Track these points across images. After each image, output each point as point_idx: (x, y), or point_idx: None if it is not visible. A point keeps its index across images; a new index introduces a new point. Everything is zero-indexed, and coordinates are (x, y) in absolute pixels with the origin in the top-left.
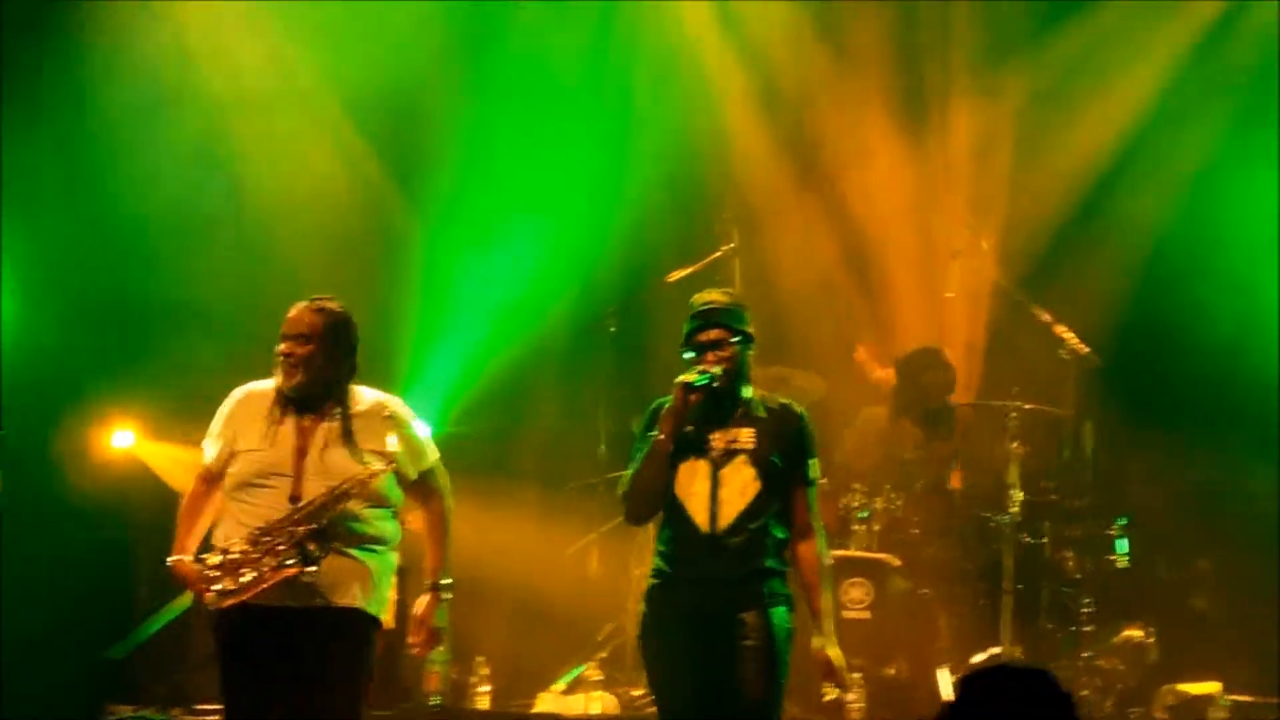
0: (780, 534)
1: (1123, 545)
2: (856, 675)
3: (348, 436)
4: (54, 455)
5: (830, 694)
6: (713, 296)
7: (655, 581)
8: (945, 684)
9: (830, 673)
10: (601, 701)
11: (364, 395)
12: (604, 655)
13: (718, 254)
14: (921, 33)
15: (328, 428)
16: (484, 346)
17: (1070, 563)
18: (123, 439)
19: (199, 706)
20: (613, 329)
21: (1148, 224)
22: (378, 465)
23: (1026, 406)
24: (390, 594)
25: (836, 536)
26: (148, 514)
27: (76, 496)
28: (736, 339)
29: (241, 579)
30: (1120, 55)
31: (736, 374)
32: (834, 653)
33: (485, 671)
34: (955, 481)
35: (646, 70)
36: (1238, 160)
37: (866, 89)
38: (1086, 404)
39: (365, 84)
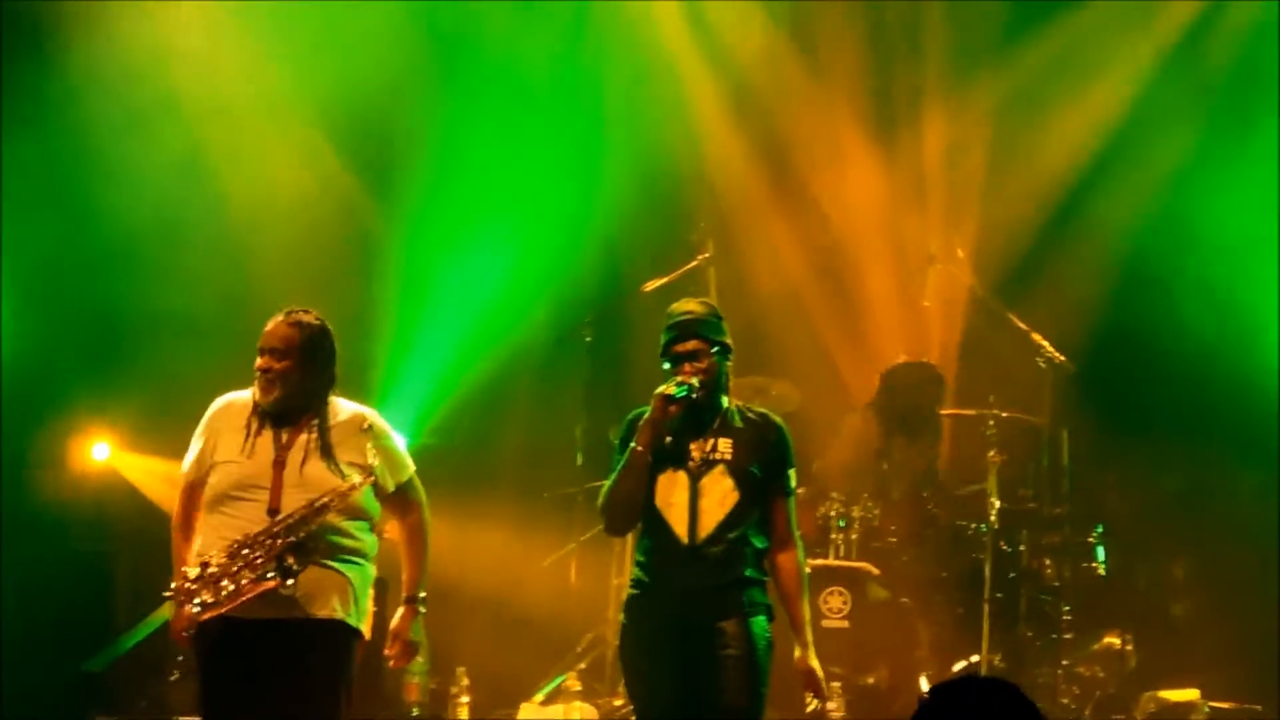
0: (759, 544)
1: (1101, 552)
2: (836, 684)
3: (326, 449)
4: (33, 466)
5: (811, 704)
6: (690, 307)
7: (635, 592)
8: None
9: (811, 683)
10: (581, 711)
11: (342, 407)
12: (584, 666)
13: (693, 263)
14: (894, 40)
15: (306, 440)
16: (460, 357)
17: (1049, 570)
18: (100, 451)
19: (179, 719)
20: (588, 339)
21: (1123, 230)
22: (356, 478)
23: (1004, 415)
24: (369, 605)
25: (815, 545)
26: (127, 526)
27: (55, 508)
28: (714, 350)
29: (220, 592)
30: (1093, 61)
31: (714, 385)
32: (814, 663)
33: (465, 682)
34: (934, 490)
35: (620, 78)
36: (1212, 165)
37: (840, 97)
38: (1063, 411)
39: (339, 95)
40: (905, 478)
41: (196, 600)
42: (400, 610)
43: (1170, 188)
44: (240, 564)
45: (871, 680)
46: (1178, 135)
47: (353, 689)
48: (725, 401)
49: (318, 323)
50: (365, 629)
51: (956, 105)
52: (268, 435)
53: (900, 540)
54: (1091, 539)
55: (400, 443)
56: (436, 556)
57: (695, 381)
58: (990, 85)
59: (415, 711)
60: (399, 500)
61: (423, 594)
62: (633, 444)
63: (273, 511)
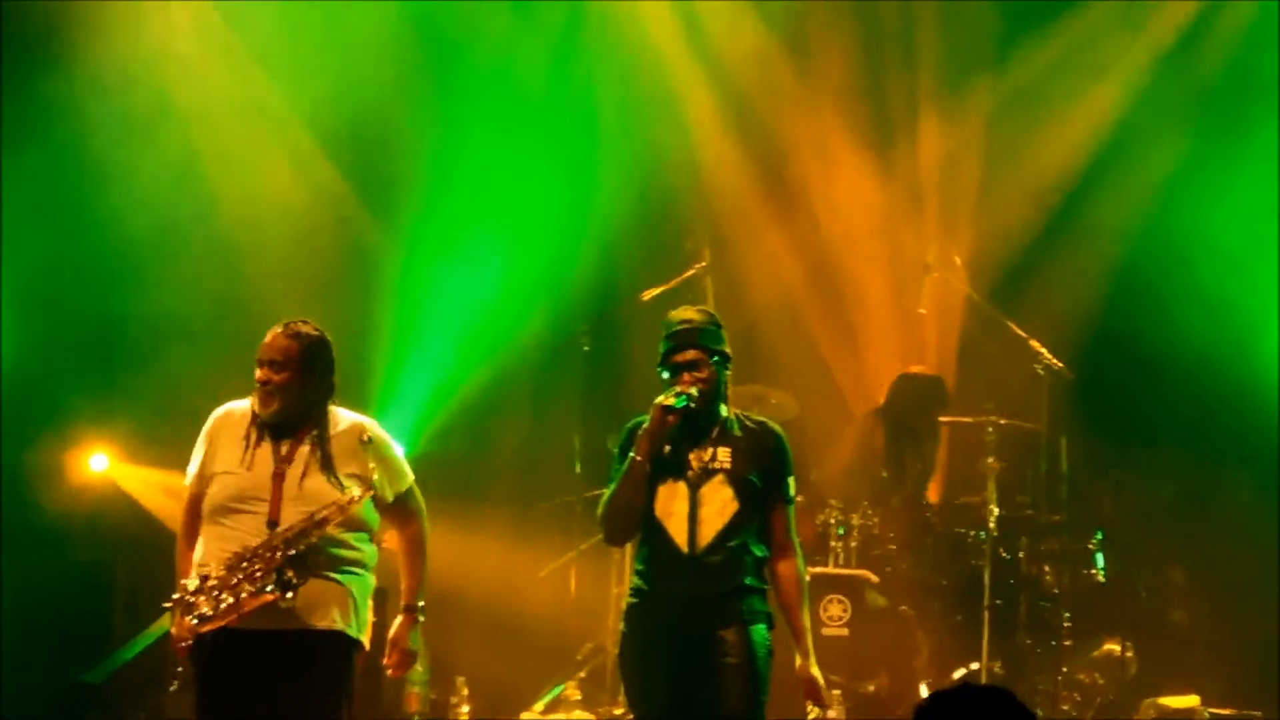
0: (759, 552)
1: (1100, 559)
2: (836, 692)
3: (325, 461)
4: (32, 477)
5: (813, 713)
6: (689, 315)
7: (635, 600)
8: None
9: (812, 691)
10: (581, 718)
11: (341, 417)
12: (583, 674)
13: (690, 271)
14: (889, 49)
15: (305, 452)
16: (457, 365)
17: (1048, 577)
18: (98, 462)
19: None
20: (586, 347)
21: (1119, 235)
22: (356, 491)
23: (1002, 421)
24: (369, 615)
25: (814, 553)
26: (126, 537)
27: (54, 519)
28: (713, 359)
29: (219, 604)
30: (1088, 67)
31: (713, 394)
32: (815, 671)
33: (465, 691)
34: (932, 496)
35: (615, 86)
36: (1208, 170)
37: (835, 105)
38: (1060, 418)
39: (334, 104)
40: (905, 485)
41: (195, 612)
42: (399, 619)
43: (1166, 193)
44: (239, 576)
45: (871, 688)
46: (1173, 140)
47: (353, 699)
48: (724, 410)
49: (316, 333)
50: (365, 639)
51: (952, 112)
52: (267, 446)
53: (899, 548)
54: (1091, 546)
55: (400, 452)
56: (435, 566)
57: (694, 391)
58: (985, 92)
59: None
60: (398, 510)
61: (421, 603)
62: (631, 454)
63: (272, 524)
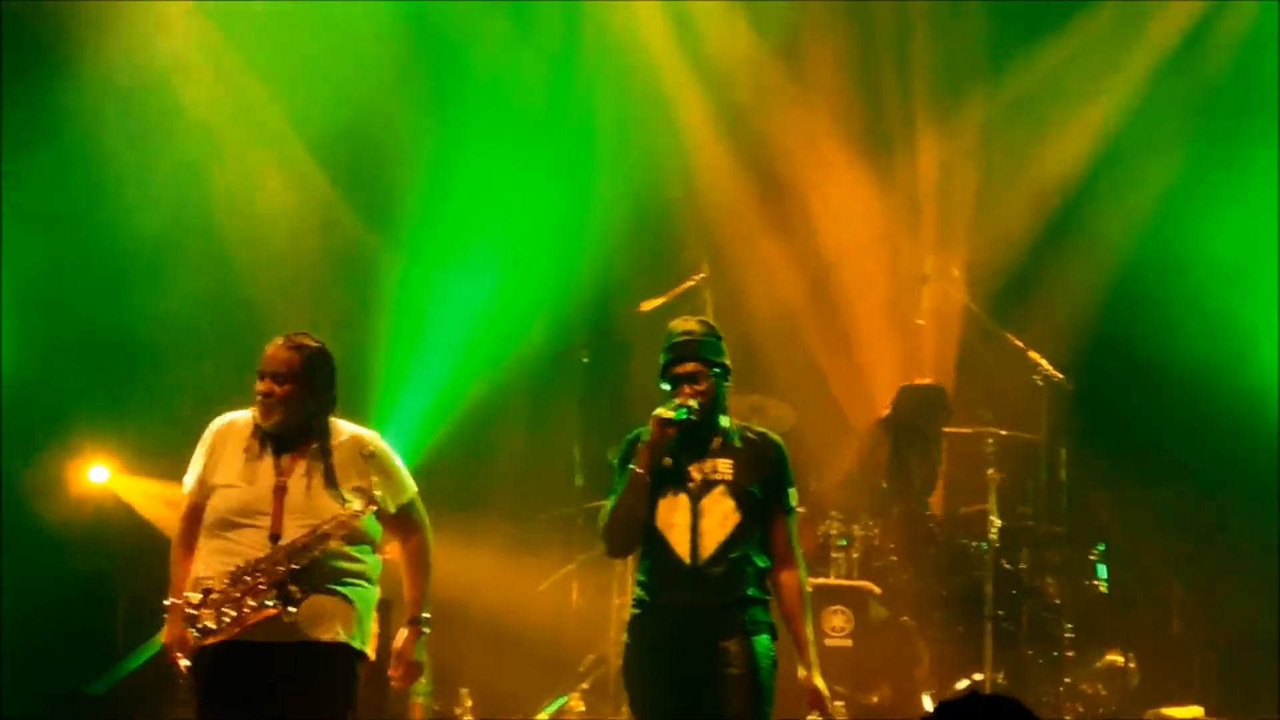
0: (761, 563)
1: (1103, 570)
2: (839, 703)
3: (328, 475)
4: (34, 488)
5: None
6: (689, 326)
7: (637, 611)
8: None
9: (816, 701)
10: None
11: (343, 430)
12: (586, 686)
13: (689, 283)
14: (884, 60)
15: (307, 465)
16: (456, 377)
17: (1050, 588)
18: (98, 474)
19: None
20: (585, 359)
21: (1117, 246)
22: (358, 505)
23: (1002, 432)
24: (373, 627)
25: (816, 564)
26: (128, 547)
27: (56, 530)
28: (713, 371)
29: (223, 619)
30: (1085, 76)
31: (713, 406)
32: (819, 682)
33: (469, 703)
34: (934, 508)
35: (612, 98)
36: (1207, 180)
37: (831, 117)
38: (1059, 429)
39: (331, 119)
40: (907, 496)
41: (198, 625)
42: (404, 630)
43: (1164, 203)
44: (242, 590)
45: (874, 699)
46: (1172, 150)
47: (358, 711)
48: (725, 421)
49: (317, 346)
50: (370, 651)
51: (948, 122)
52: (268, 459)
53: (901, 559)
54: (1092, 556)
55: (402, 464)
56: (436, 577)
57: (694, 404)
58: (982, 102)
59: None
60: (401, 522)
61: (427, 614)
62: (632, 466)
63: (274, 538)
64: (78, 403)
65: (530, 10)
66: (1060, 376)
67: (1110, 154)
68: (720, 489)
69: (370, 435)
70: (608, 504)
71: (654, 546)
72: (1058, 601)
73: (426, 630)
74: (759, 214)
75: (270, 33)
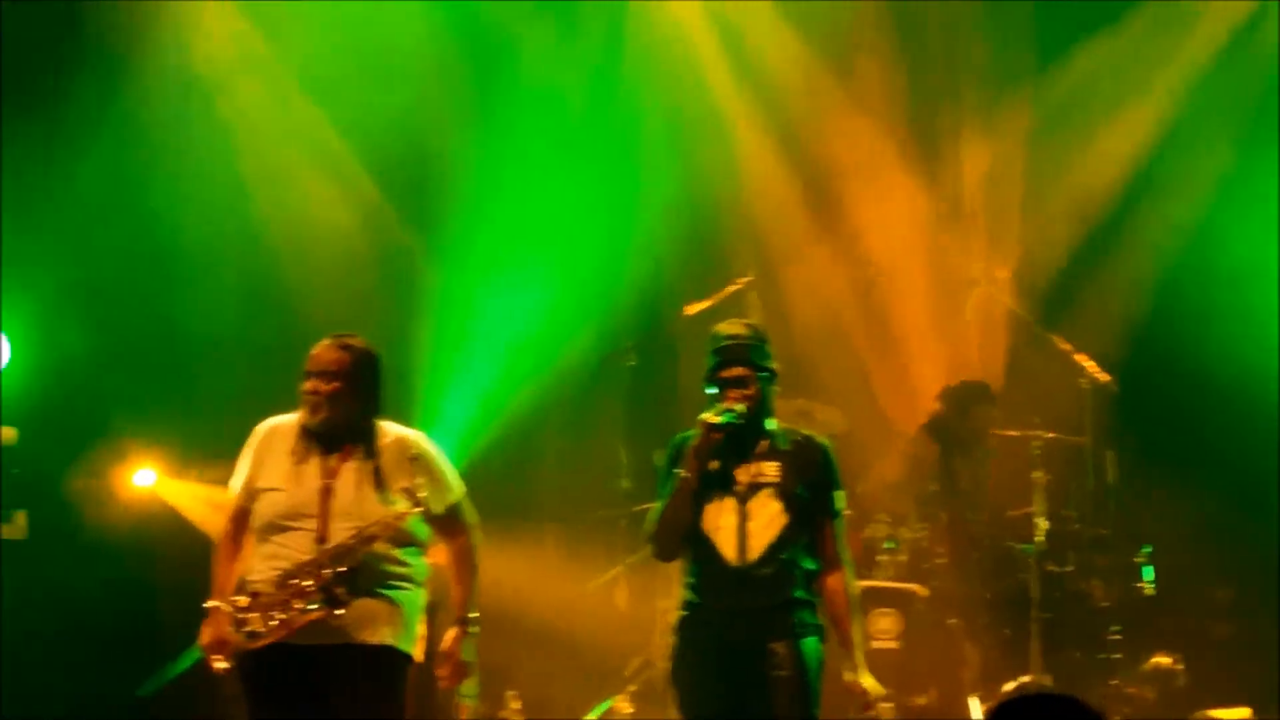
0: (808, 565)
1: (1150, 572)
2: (887, 705)
3: (375, 476)
4: (80, 491)
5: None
6: (736, 330)
7: (685, 614)
8: (976, 712)
9: (867, 703)
10: None
11: (389, 431)
12: (633, 688)
13: (735, 286)
14: (932, 65)
15: (354, 467)
16: (503, 382)
17: (1096, 590)
18: (144, 477)
19: None
20: (631, 363)
21: (1163, 249)
22: (404, 507)
23: (1048, 435)
24: (420, 629)
25: (862, 567)
26: (175, 550)
27: (102, 533)
28: (760, 375)
29: (269, 621)
30: (1132, 79)
31: (760, 410)
32: (869, 682)
33: (516, 705)
34: (981, 511)
35: (658, 103)
36: (1253, 183)
37: (878, 121)
38: (1106, 432)
39: (376, 124)
40: (953, 500)
41: (246, 629)
42: (452, 630)
43: (1211, 206)
44: (289, 593)
45: (922, 701)
46: (1218, 152)
47: (406, 712)
48: (771, 424)
49: (365, 346)
50: (417, 653)
51: (996, 127)
52: (314, 461)
53: (947, 562)
54: (1139, 559)
55: (448, 465)
56: (484, 581)
57: (740, 408)
58: (1029, 106)
59: None
60: (448, 523)
61: (474, 614)
62: (678, 471)
63: (321, 540)
64: (124, 407)
65: (576, 15)
66: (1106, 379)
67: (1156, 157)
68: (767, 492)
69: (416, 436)
70: (654, 509)
71: (701, 550)
72: (1104, 604)
73: (474, 630)
74: (805, 217)
75: (317, 38)
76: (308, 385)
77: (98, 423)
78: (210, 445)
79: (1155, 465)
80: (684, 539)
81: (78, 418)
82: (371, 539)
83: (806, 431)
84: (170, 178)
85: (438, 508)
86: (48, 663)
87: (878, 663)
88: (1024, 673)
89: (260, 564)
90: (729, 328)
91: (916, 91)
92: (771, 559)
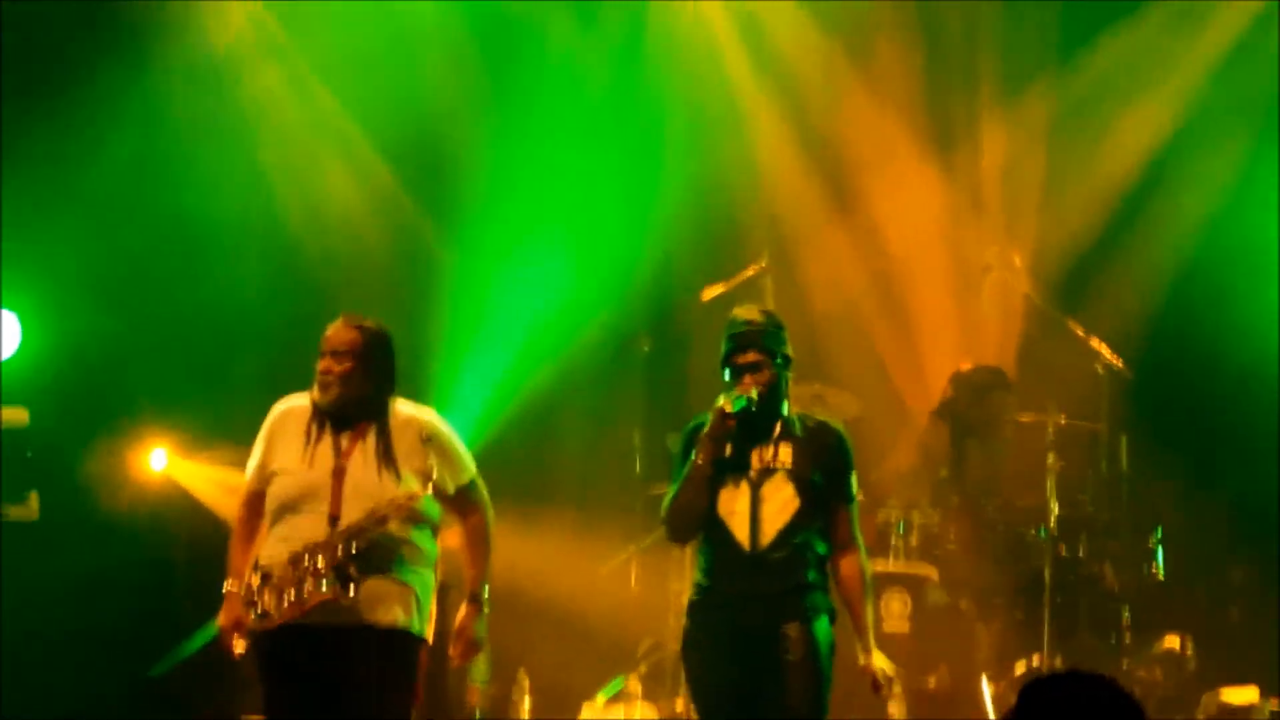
0: (821, 549)
1: (1161, 557)
2: (897, 687)
3: (386, 456)
4: (95, 473)
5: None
6: (751, 315)
7: (697, 598)
8: (987, 694)
9: (879, 684)
10: (642, 710)
11: (402, 411)
12: (644, 670)
13: (750, 271)
14: (950, 53)
15: (366, 447)
16: (518, 367)
17: (1108, 575)
18: (158, 459)
19: None
20: (646, 347)
21: (1180, 237)
22: (417, 487)
23: (1062, 421)
24: (432, 610)
25: (874, 552)
26: (189, 531)
27: (116, 514)
28: (775, 361)
29: (282, 602)
30: (1150, 69)
31: (775, 395)
32: (881, 663)
33: (526, 683)
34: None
35: (676, 90)
36: (1270, 171)
37: (896, 108)
38: (1120, 418)
39: (395, 112)
40: (967, 484)
41: (258, 610)
42: (464, 608)
43: (1228, 194)
44: (301, 574)
45: (932, 683)
46: (1236, 142)
47: (419, 695)
48: (785, 409)
49: (378, 326)
50: (428, 634)
51: (1014, 114)
52: (327, 442)
53: (960, 547)
54: (1150, 544)
55: (461, 445)
56: (496, 563)
57: (754, 394)
58: (1047, 94)
59: (477, 714)
60: (461, 502)
61: (486, 594)
62: (693, 456)
63: (334, 520)
64: (139, 389)
65: (595, 2)
66: (1121, 365)
67: (1175, 145)
68: (780, 476)
69: (429, 416)
70: (669, 493)
71: (715, 533)
72: (1116, 588)
73: (486, 609)
74: (821, 203)
75: (336, 27)
76: (321, 365)
77: (112, 405)
78: (226, 428)
79: (1168, 451)
80: (698, 523)
81: (92, 400)
82: (384, 519)
83: (821, 416)
84: (189, 161)
85: (450, 488)
86: (60, 644)
87: (888, 645)
88: (1035, 656)
89: (274, 545)
90: (744, 313)
91: (935, 81)
92: (784, 543)
